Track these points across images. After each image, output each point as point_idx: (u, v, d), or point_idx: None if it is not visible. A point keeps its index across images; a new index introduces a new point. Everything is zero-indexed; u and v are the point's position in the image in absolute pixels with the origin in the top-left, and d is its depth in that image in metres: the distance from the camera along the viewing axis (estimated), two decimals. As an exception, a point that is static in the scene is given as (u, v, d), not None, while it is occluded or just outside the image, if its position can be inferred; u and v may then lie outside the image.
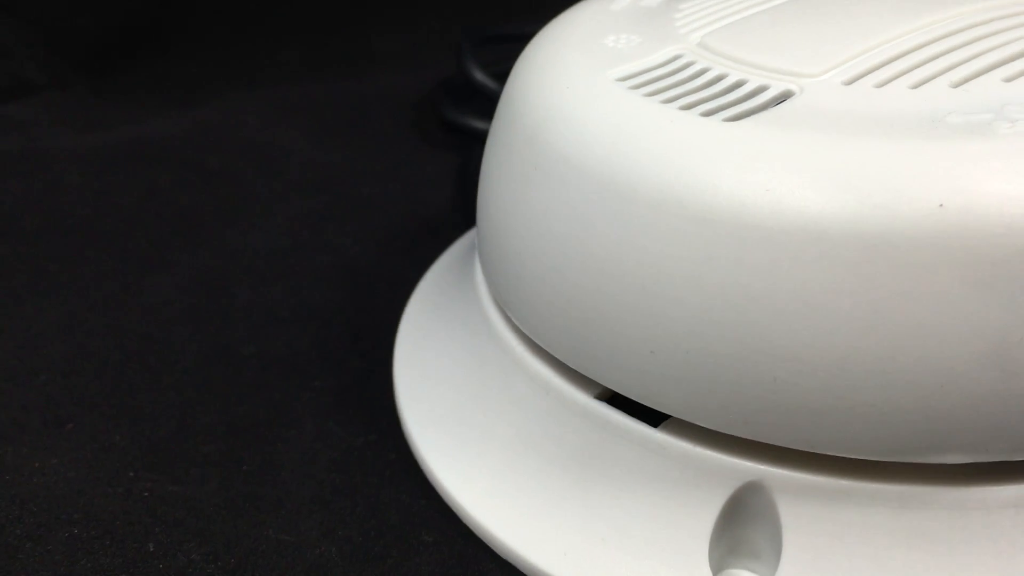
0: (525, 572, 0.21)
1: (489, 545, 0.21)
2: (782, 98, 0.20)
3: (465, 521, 0.22)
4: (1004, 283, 0.17)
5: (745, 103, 0.20)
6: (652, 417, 0.20)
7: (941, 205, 0.17)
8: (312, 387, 0.27)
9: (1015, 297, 0.17)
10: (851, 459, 0.19)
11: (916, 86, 0.20)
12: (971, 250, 0.17)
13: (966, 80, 0.20)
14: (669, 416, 0.20)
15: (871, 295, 0.17)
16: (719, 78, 0.21)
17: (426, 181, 0.38)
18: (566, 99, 0.21)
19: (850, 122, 0.19)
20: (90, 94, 0.47)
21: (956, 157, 0.17)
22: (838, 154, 0.18)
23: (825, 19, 0.22)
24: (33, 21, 0.47)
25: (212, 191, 0.36)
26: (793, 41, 0.21)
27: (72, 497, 0.22)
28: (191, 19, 0.50)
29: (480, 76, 0.38)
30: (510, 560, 0.21)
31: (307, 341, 0.29)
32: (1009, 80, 0.20)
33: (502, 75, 0.27)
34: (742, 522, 0.20)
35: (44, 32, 0.47)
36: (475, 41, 0.40)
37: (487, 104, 0.31)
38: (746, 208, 0.18)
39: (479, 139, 0.28)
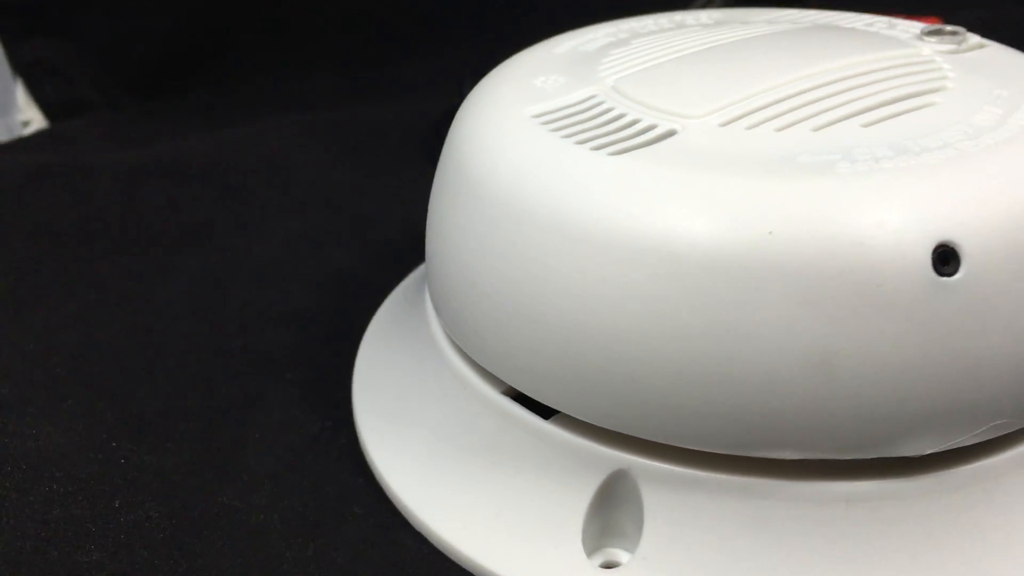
0: (432, 542, 0.24)
1: (406, 518, 0.25)
2: (666, 136, 0.23)
3: (390, 497, 0.25)
4: (824, 302, 0.20)
5: (633, 139, 0.23)
6: (546, 411, 0.23)
7: (771, 232, 0.20)
8: (285, 379, 0.30)
9: (833, 314, 0.20)
10: (702, 452, 0.21)
11: (781, 129, 0.22)
12: (796, 272, 0.20)
13: (828, 125, 0.22)
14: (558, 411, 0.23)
15: (713, 309, 0.20)
16: (619, 117, 0.24)
17: (423, 201, 0.41)
18: (487, 131, 0.24)
19: (714, 159, 0.21)
20: (140, 114, 0.52)
21: (789, 191, 0.20)
22: (692, 186, 0.21)
23: (723, 67, 0.25)
24: (92, 47, 0.52)
25: (226, 205, 0.40)
26: (689, 86, 0.24)
27: (58, 460, 0.26)
28: (236, 48, 0.54)
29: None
30: (421, 531, 0.24)
31: (288, 339, 0.32)
32: (867, 126, 0.22)
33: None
34: (612, 505, 0.23)
35: (102, 57, 0.52)
36: (475, 73, 0.43)
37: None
38: (612, 230, 0.21)
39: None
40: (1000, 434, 0.21)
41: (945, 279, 0.19)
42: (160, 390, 0.30)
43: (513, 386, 0.23)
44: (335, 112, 0.50)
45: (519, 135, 0.23)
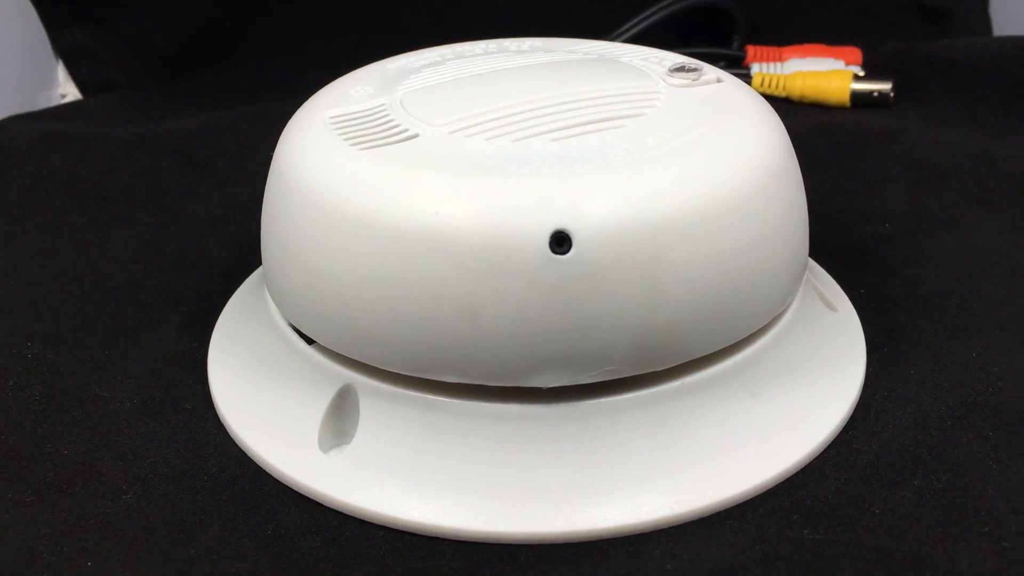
0: (227, 431, 0.32)
1: (216, 410, 0.33)
2: (410, 138, 0.30)
3: (211, 396, 0.33)
4: (472, 267, 0.27)
5: (385, 139, 0.30)
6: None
7: (437, 213, 0.27)
8: (180, 310, 0.39)
9: (478, 277, 0.27)
10: (398, 373, 0.29)
11: (491, 139, 0.29)
12: (452, 243, 0.27)
13: (526, 138, 0.29)
14: (317, 338, 0.31)
15: (397, 268, 0.27)
16: (387, 122, 0.31)
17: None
18: (291, 125, 0.32)
19: (430, 157, 0.28)
20: (158, 95, 0.62)
21: (459, 184, 0.27)
22: (397, 174, 0.28)
23: (481, 89, 0.32)
24: (121, 36, 0.62)
25: (188, 175, 0.49)
26: (446, 102, 0.31)
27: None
28: (245, 43, 0.63)
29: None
30: (222, 422, 0.32)
31: (194, 281, 0.40)
32: (556, 141, 0.29)
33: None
34: (343, 412, 0.30)
35: (129, 45, 0.62)
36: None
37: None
38: (339, 204, 0.28)
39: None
40: (615, 377, 0.28)
41: (559, 256, 0.26)
42: (85, 312, 0.38)
43: (287, 319, 0.31)
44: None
45: (308, 129, 0.31)
